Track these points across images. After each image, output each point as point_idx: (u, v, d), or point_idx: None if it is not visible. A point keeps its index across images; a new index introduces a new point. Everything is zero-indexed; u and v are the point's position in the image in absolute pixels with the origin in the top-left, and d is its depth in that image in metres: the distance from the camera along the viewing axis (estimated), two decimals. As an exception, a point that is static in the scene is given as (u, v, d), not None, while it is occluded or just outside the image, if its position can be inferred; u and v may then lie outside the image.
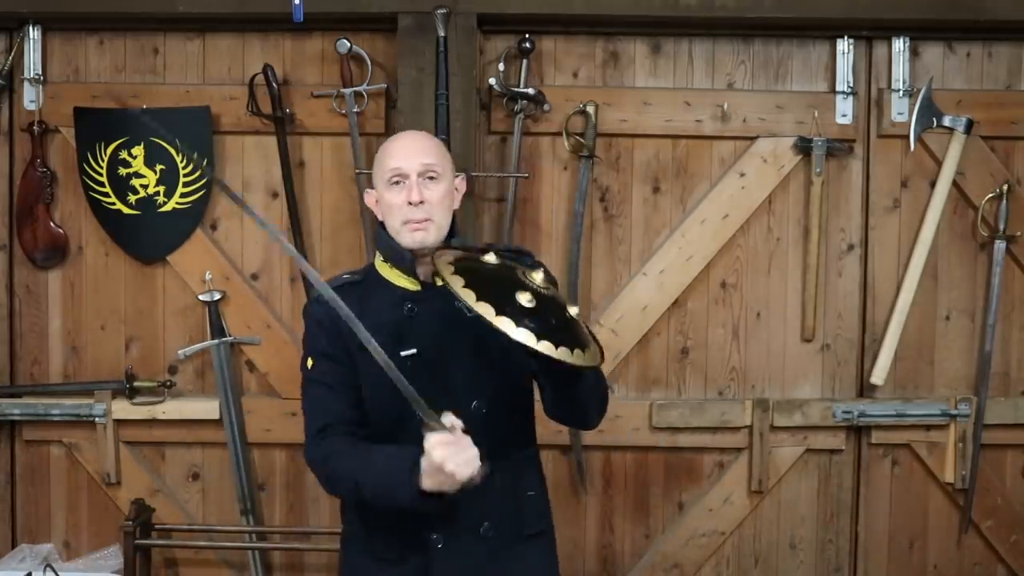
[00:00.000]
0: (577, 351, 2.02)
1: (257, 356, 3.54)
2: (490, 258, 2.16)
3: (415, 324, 2.26)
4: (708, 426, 3.54)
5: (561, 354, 1.99)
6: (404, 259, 2.27)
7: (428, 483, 2.04)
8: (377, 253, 2.35)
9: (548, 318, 2.03)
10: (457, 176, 2.36)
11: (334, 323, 2.20)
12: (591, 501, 3.60)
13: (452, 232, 2.33)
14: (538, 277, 2.10)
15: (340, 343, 2.25)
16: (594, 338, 2.17)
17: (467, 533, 2.25)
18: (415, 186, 2.24)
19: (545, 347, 1.97)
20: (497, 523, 2.28)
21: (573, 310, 2.12)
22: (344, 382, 2.26)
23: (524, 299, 2.02)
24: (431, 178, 2.26)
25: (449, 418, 2.04)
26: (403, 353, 2.22)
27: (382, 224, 2.32)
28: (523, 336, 1.97)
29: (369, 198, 2.36)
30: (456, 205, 2.34)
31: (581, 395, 2.19)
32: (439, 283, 2.23)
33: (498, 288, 2.05)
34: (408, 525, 2.24)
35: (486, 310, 1.99)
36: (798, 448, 3.56)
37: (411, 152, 2.28)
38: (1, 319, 3.56)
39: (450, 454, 2.00)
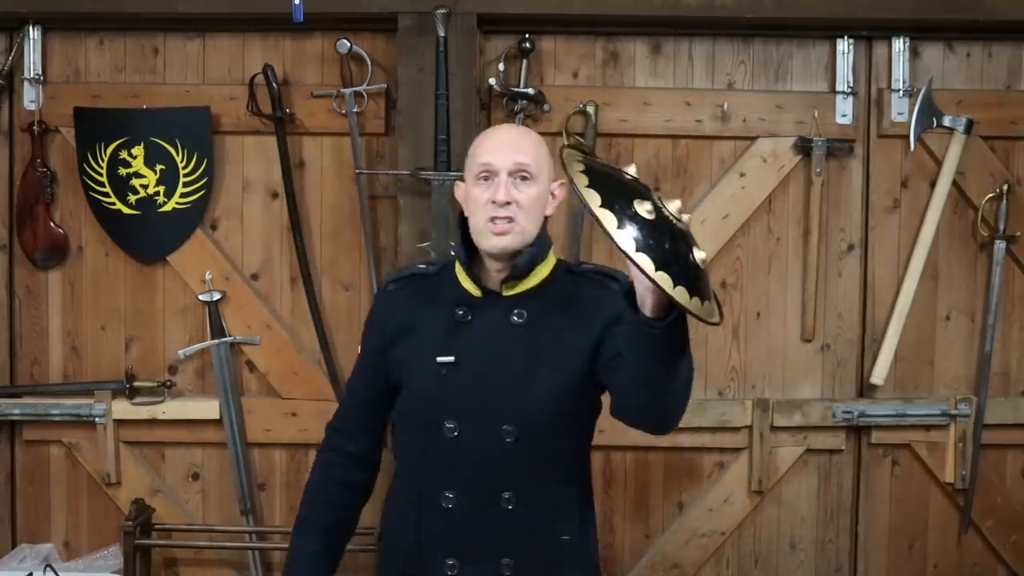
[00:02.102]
0: (696, 299, 1.67)
1: (257, 356, 3.54)
2: (629, 169, 1.82)
3: (463, 331, 2.13)
4: (708, 426, 3.54)
5: (679, 294, 1.63)
6: (463, 260, 2.15)
7: None
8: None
9: (664, 241, 1.67)
10: (556, 182, 2.18)
11: (390, 315, 2.21)
12: (591, 501, 3.60)
13: (542, 243, 2.15)
14: (673, 205, 1.73)
15: (388, 337, 2.20)
16: (715, 295, 1.81)
17: (483, 565, 2.12)
18: (503, 184, 2.08)
19: (663, 279, 1.62)
20: (520, 562, 2.12)
21: (700, 255, 1.74)
22: (368, 387, 2.25)
23: (644, 209, 1.67)
24: (523, 178, 2.10)
25: None
26: (440, 359, 2.11)
27: (465, 220, 2.17)
28: (642, 260, 1.63)
29: (458, 190, 2.21)
30: (549, 212, 2.16)
31: (673, 378, 1.87)
32: (505, 294, 2.13)
33: (622, 193, 1.71)
34: (429, 547, 2.15)
35: (608, 219, 1.65)
36: (798, 448, 3.56)
37: (505, 148, 2.13)
38: (1, 319, 3.56)
39: None
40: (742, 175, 3.52)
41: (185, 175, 3.48)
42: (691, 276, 1.67)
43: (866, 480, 3.60)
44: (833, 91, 3.51)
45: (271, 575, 3.60)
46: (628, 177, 1.80)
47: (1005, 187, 3.50)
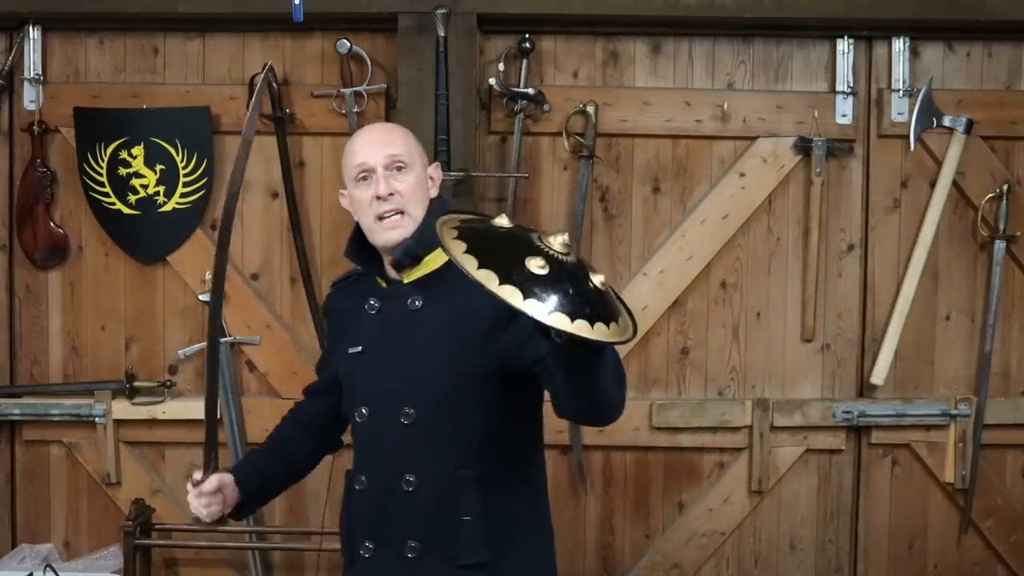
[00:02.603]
0: (599, 325, 1.66)
1: (257, 356, 3.54)
2: (502, 221, 1.80)
3: (371, 322, 2.21)
4: (708, 426, 3.54)
5: (578, 328, 1.63)
6: (363, 258, 2.25)
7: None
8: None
9: (565, 287, 1.66)
10: (431, 164, 2.27)
11: (330, 315, 2.39)
12: (591, 501, 3.60)
13: (427, 227, 2.17)
14: (557, 241, 1.72)
15: (329, 336, 2.39)
16: (626, 308, 1.82)
17: (392, 547, 2.17)
18: (382, 179, 2.16)
19: (557, 320, 1.62)
20: (425, 544, 2.15)
21: (598, 279, 1.74)
22: (326, 370, 2.38)
23: (535, 265, 1.67)
24: (399, 169, 2.18)
25: (197, 475, 2.26)
26: (350, 350, 2.22)
27: (358, 224, 2.25)
28: (531, 308, 1.62)
29: (343, 200, 2.28)
30: (433, 194, 2.23)
31: (601, 383, 1.86)
32: (407, 280, 2.19)
33: (507, 253, 1.70)
34: (353, 531, 2.24)
35: (488, 278, 1.64)
36: (798, 448, 3.56)
37: (375, 145, 2.20)
38: (1, 319, 3.56)
39: (191, 499, 2.22)
40: (742, 175, 3.52)
41: (185, 175, 3.48)
42: (599, 307, 1.68)
43: (866, 480, 3.60)
44: (833, 91, 3.51)
45: (271, 575, 3.60)
46: (504, 231, 1.78)
47: (1005, 187, 3.50)
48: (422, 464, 2.12)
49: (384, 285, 2.24)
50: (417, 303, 2.17)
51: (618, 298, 1.81)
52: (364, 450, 2.24)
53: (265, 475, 2.40)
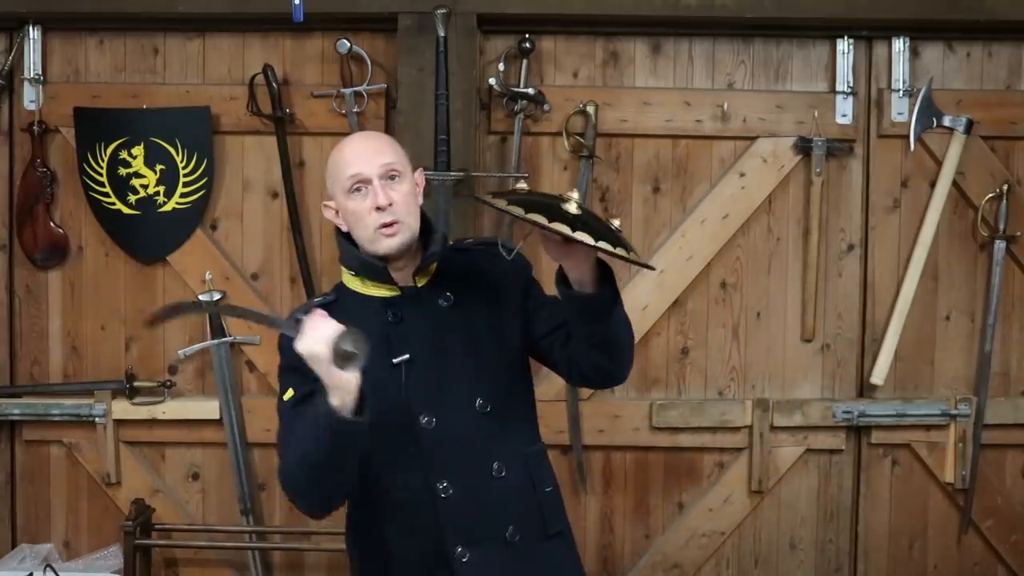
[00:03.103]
0: (633, 253, 2.00)
1: (257, 356, 3.54)
2: (522, 185, 2.10)
3: (402, 330, 2.16)
4: (708, 426, 3.54)
5: (620, 252, 1.94)
6: (376, 268, 2.16)
7: (332, 399, 1.90)
8: (343, 270, 2.24)
9: (597, 224, 1.98)
10: (416, 171, 2.24)
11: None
12: (591, 501, 3.60)
13: (427, 228, 2.21)
14: (574, 196, 2.01)
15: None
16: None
17: (492, 542, 2.15)
18: (380, 190, 2.11)
19: (604, 244, 1.92)
20: (521, 526, 2.17)
21: (615, 222, 2.07)
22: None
23: (572, 208, 1.97)
24: (392, 178, 2.14)
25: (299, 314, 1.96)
26: (396, 360, 2.13)
27: (346, 236, 2.19)
28: (582, 236, 1.90)
29: (328, 212, 2.22)
30: (420, 201, 2.21)
31: (619, 332, 2.07)
32: (420, 284, 2.17)
33: (543, 204, 1.98)
34: (430, 548, 2.13)
35: (538, 218, 1.91)
36: (798, 448, 3.56)
37: (368, 155, 2.15)
38: (1, 319, 3.56)
39: (301, 340, 1.90)
40: (742, 175, 3.52)
41: (185, 175, 3.48)
42: (623, 240, 2.00)
43: (866, 480, 3.60)
44: (833, 91, 3.51)
45: (271, 575, 3.60)
46: (530, 191, 2.09)
47: (1005, 187, 3.50)
48: (503, 450, 2.14)
49: (394, 294, 2.18)
50: (448, 300, 2.18)
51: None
52: (435, 456, 2.14)
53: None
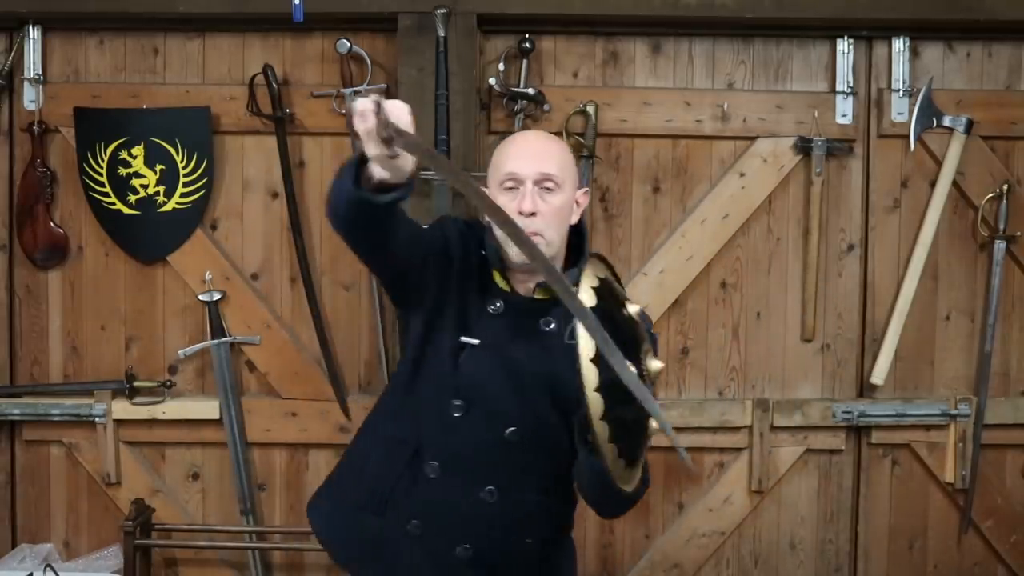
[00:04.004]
0: (629, 470, 1.90)
1: (257, 356, 3.54)
2: (633, 309, 1.90)
3: (491, 322, 2.11)
4: (708, 426, 3.54)
5: (614, 467, 1.82)
6: (496, 263, 2.12)
7: (368, 152, 1.79)
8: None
9: (632, 420, 1.82)
10: (580, 189, 2.16)
11: (456, 246, 2.13)
12: (591, 501, 3.60)
13: (576, 249, 2.14)
14: (654, 366, 1.86)
15: (449, 265, 2.12)
16: (644, 465, 2.03)
17: (445, 539, 2.15)
18: (529, 195, 2.04)
19: (610, 450, 1.79)
20: (477, 551, 2.15)
21: (632, 308, 1.91)
22: (420, 240, 2.11)
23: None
24: (548, 189, 2.06)
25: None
26: (463, 338, 2.09)
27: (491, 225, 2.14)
28: (599, 428, 1.77)
29: None
30: (574, 220, 2.13)
31: (595, 480, 1.97)
32: (538, 296, 2.11)
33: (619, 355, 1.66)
34: (395, 501, 2.15)
35: (589, 374, 1.74)
36: (798, 448, 3.56)
37: (531, 157, 2.08)
38: (1, 319, 3.56)
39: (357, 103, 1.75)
40: (742, 175, 3.52)
41: (185, 175, 3.48)
42: (634, 443, 1.87)
43: (866, 480, 3.60)
44: (833, 91, 3.51)
45: (271, 575, 3.60)
46: (626, 315, 1.87)
47: (1005, 187, 3.50)
48: (507, 481, 2.08)
49: (506, 289, 2.14)
50: (551, 326, 2.11)
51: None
52: (444, 440, 2.13)
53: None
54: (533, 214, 2.04)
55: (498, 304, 2.11)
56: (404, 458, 2.16)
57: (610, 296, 1.86)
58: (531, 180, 2.05)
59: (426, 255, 2.13)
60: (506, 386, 2.10)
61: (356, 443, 2.35)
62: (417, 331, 2.17)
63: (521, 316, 2.11)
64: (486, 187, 2.15)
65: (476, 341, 2.09)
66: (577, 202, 2.14)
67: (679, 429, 3.54)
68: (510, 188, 2.07)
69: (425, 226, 2.21)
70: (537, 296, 2.13)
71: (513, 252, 2.07)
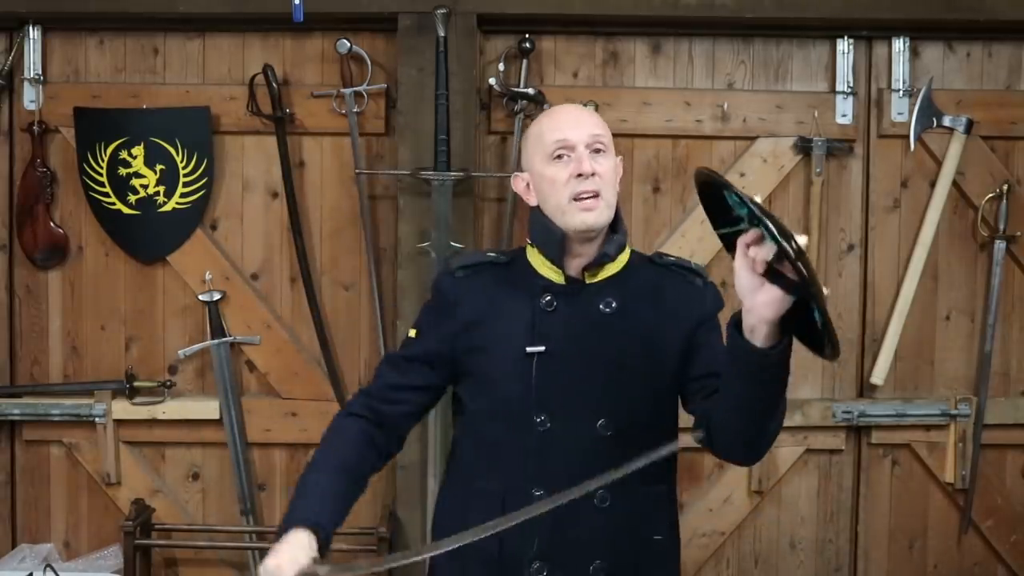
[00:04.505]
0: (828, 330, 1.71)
1: (257, 356, 3.54)
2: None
3: (550, 320, 2.03)
4: (708, 426, 3.53)
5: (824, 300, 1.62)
6: (553, 242, 2.03)
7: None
8: (528, 240, 2.11)
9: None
10: (617, 156, 2.11)
11: (462, 301, 2.08)
12: (591, 501, 3.60)
13: (622, 227, 2.08)
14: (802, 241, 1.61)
15: (462, 325, 2.07)
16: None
17: (573, 568, 2.02)
18: (585, 157, 1.99)
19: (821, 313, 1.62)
20: (611, 563, 2.02)
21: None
22: (422, 371, 2.09)
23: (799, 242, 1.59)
24: (598, 151, 2.03)
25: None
26: (529, 349, 2.01)
27: (538, 208, 2.07)
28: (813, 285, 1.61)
29: (518, 182, 2.10)
30: (617, 190, 2.06)
31: (776, 405, 1.85)
32: (589, 280, 2.05)
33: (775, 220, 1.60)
34: (507, 551, 2.02)
35: (776, 226, 1.56)
36: (798, 448, 3.56)
37: (578, 122, 2.05)
38: (1, 319, 3.56)
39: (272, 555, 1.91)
40: (742, 175, 3.52)
41: (185, 175, 3.48)
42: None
43: (866, 480, 3.60)
44: (833, 91, 3.51)
45: (271, 575, 3.59)
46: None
47: (1005, 187, 3.50)
48: (618, 480, 1.87)
49: (560, 281, 2.07)
50: (612, 305, 2.04)
51: None
52: (540, 463, 2.02)
53: (343, 514, 2.05)
54: (593, 174, 1.99)
55: (549, 299, 2.04)
56: (495, 505, 1.99)
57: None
58: (583, 144, 2.01)
59: (443, 362, 2.10)
60: (585, 379, 2.01)
61: (441, 503, 2.22)
62: (470, 387, 2.11)
63: (578, 303, 2.04)
64: (522, 171, 2.10)
65: (541, 348, 2.02)
66: (618, 170, 2.10)
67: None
68: (559, 157, 2.02)
69: (416, 336, 2.13)
70: (589, 280, 2.06)
71: (576, 221, 1.99)
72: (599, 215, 2.00)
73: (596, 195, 1.99)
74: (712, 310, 2.09)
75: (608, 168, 2.02)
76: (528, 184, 2.08)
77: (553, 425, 2.02)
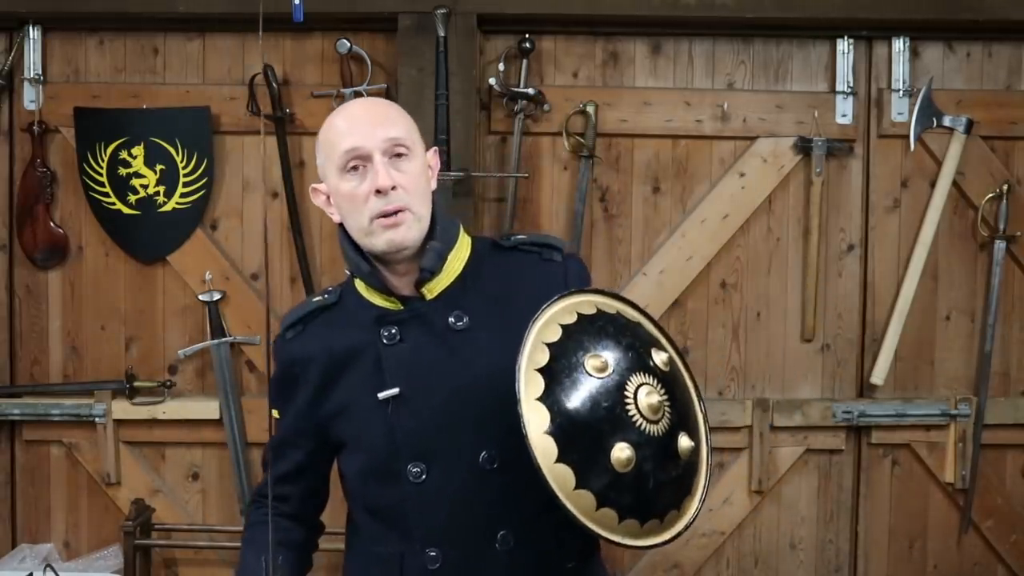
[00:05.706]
0: (653, 521, 1.65)
1: (257, 356, 3.54)
2: (632, 315, 1.64)
3: (397, 354, 1.77)
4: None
5: (607, 532, 1.58)
6: (364, 272, 1.79)
7: None
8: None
9: (643, 484, 1.60)
10: (430, 150, 1.86)
11: (303, 365, 1.86)
12: (591, 501, 3.60)
13: (446, 228, 1.83)
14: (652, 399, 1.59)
15: (312, 391, 1.86)
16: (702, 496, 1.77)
17: None
18: (381, 168, 1.73)
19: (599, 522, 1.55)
20: None
21: (686, 444, 1.69)
22: (303, 450, 1.92)
23: (620, 461, 1.53)
24: (399, 155, 1.76)
25: None
26: (381, 395, 1.76)
27: (343, 227, 1.82)
28: (597, 526, 1.57)
29: (317, 196, 1.86)
30: (433, 187, 1.82)
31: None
32: (428, 296, 1.79)
33: (591, 438, 1.52)
34: None
35: (563, 481, 1.52)
36: (798, 448, 3.56)
37: (370, 125, 1.77)
38: (1, 319, 3.56)
39: None
40: (742, 175, 3.52)
41: (185, 175, 3.48)
42: (666, 496, 1.69)
43: (866, 480, 3.60)
44: (833, 91, 3.51)
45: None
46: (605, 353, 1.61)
47: (1005, 187, 3.50)
48: (514, 515, 1.74)
49: (396, 306, 1.81)
50: (464, 319, 1.79)
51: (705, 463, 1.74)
52: (426, 518, 1.79)
53: None
54: (394, 188, 1.73)
55: (391, 332, 1.78)
56: (402, 570, 1.83)
57: (571, 343, 1.59)
58: (378, 151, 1.75)
59: (310, 435, 1.91)
60: (453, 413, 1.76)
61: (345, 572, 2.04)
62: (343, 453, 1.90)
63: (424, 326, 1.79)
64: (320, 184, 1.87)
65: (395, 391, 1.76)
66: (430, 166, 1.85)
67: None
68: (354, 169, 1.76)
69: (279, 417, 1.96)
70: (429, 296, 1.80)
71: (380, 243, 1.76)
72: (407, 231, 1.75)
73: (401, 210, 1.74)
74: (576, 286, 1.79)
75: (413, 175, 1.76)
76: (328, 198, 1.85)
77: (431, 472, 1.77)
